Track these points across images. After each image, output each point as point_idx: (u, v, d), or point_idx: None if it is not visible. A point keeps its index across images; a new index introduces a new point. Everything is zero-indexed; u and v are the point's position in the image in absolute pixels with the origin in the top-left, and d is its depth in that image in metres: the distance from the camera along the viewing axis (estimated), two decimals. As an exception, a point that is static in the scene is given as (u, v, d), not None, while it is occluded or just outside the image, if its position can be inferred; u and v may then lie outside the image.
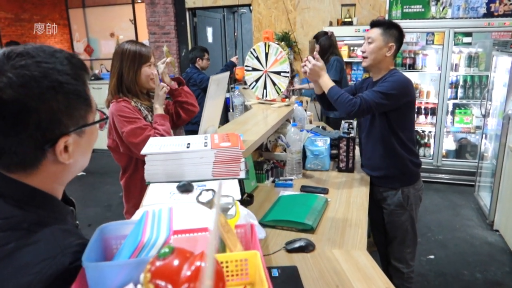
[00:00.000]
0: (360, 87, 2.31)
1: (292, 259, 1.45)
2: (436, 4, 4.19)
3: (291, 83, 5.25)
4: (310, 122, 3.32)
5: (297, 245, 1.51)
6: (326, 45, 4.04)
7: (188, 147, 1.29)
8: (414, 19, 4.29)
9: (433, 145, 4.66)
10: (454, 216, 3.89)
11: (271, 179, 2.25)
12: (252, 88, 2.80)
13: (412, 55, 4.61)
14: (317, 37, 4.17)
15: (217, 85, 1.64)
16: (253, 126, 2.09)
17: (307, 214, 1.71)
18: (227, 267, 0.74)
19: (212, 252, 0.43)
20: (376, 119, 2.13)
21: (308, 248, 1.50)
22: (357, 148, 2.53)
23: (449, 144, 4.77)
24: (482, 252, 3.24)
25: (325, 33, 4.15)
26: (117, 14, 6.55)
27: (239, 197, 1.15)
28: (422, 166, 4.57)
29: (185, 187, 1.20)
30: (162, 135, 1.81)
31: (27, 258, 0.66)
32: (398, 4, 4.29)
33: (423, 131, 4.82)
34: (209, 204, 0.81)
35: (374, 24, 2.12)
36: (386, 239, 2.32)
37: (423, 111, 4.79)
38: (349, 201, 1.96)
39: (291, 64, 5.22)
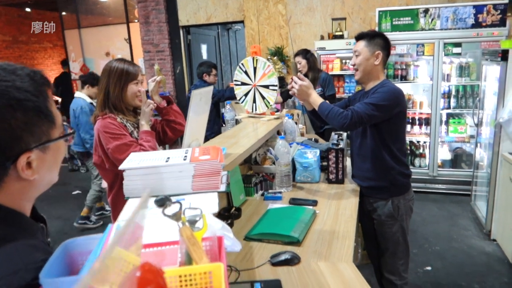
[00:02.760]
0: (354, 98, 2.32)
1: (277, 273, 1.43)
2: (425, 16, 4.24)
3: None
4: (302, 135, 3.32)
5: (282, 258, 1.49)
6: (315, 61, 4.21)
7: (167, 161, 1.29)
8: (403, 31, 4.34)
9: (428, 155, 4.66)
10: (451, 226, 3.86)
11: (260, 192, 2.24)
12: (242, 103, 2.81)
13: (404, 67, 4.65)
14: (301, 53, 4.24)
15: (200, 99, 1.64)
16: (240, 139, 2.09)
17: (293, 226, 1.70)
18: (191, 280, 0.73)
19: (106, 253, 0.42)
20: (367, 131, 2.14)
21: (293, 261, 1.48)
22: (348, 159, 2.53)
23: (444, 154, 4.76)
24: (479, 262, 3.20)
25: (308, 50, 4.26)
26: (112, 34, 6.62)
27: (216, 210, 1.14)
28: (418, 177, 4.60)
29: (162, 201, 1.18)
30: (147, 151, 1.80)
31: None
32: (388, 17, 4.34)
33: (418, 142, 4.81)
34: (175, 217, 0.80)
35: (358, 37, 2.16)
36: (379, 251, 2.30)
37: (417, 122, 4.80)
38: (337, 213, 1.94)
39: (284, 78, 5.26)
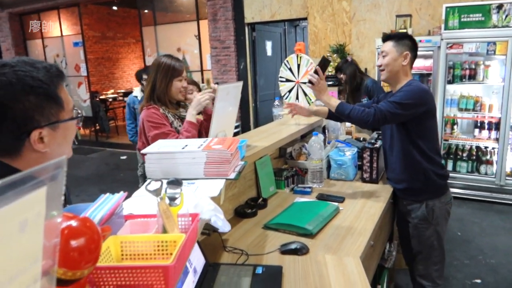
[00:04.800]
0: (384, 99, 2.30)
1: (283, 260, 1.50)
2: (498, 12, 3.92)
3: (343, 95, 5.22)
4: (349, 133, 3.30)
5: (290, 247, 1.56)
6: (352, 71, 3.77)
7: (183, 148, 1.43)
8: (473, 28, 4.06)
9: (496, 162, 4.32)
10: (514, 240, 3.57)
11: (291, 186, 2.30)
12: (286, 99, 2.88)
13: (473, 66, 4.35)
14: (339, 69, 3.92)
15: (227, 94, 1.76)
16: (271, 134, 2.18)
17: (310, 220, 1.75)
18: (163, 245, 0.85)
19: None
20: (395, 130, 2.13)
21: (301, 251, 1.55)
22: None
23: (515, 162, 4.38)
24: (538, 281, 2.94)
25: (346, 61, 3.92)
26: (184, 31, 7.03)
27: (216, 194, 1.25)
28: (483, 185, 4.32)
29: (174, 183, 1.32)
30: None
31: None
32: (456, 13, 4.09)
33: (486, 147, 4.48)
34: (156, 192, 0.92)
35: (386, 38, 2.17)
36: (412, 254, 2.25)
37: (486, 126, 4.47)
38: (361, 211, 1.95)
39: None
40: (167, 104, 2.15)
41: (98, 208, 0.83)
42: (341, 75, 3.87)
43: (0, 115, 0.84)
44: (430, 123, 2.09)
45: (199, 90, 2.93)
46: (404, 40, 2.08)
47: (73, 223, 0.58)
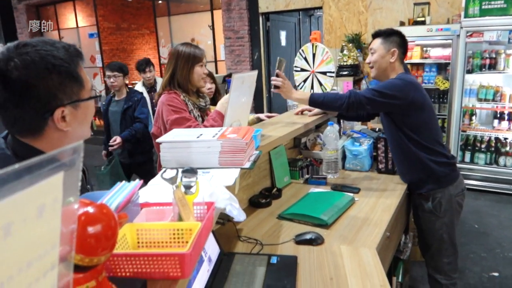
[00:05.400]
0: None
1: (298, 250, 1.50)
2: (521, -2, 3.80)
3: (358, 85, 5.16)
4: (365, 123, 3.26)
5: (305, 237, 1.55)
6: None
7: (198, 137, 1.42)
8: (494, 16, 3.94)
9: (516, 154, 4.22)
10: (533, 233, 3.49)
11: (306, 176, 2.29)
12: (301, 88, 2.85)
13: (494, 55, 4.24)
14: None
15: (242, 82, 1.74)
16: (286, 124, 2.16)
17: (325, 210, 1.74)
18: (179, 233, 0.85)
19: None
20: (384, 122, 2.14)
21: (316, 241, 1.54)
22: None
23: (536, 154, 4.27)
24: (559, 275, 2.88)
25: None
26: (198, 21, 7.01)
27: (231, 183, 1.25)
28: (503, 177, 4.21)
29: (189, 172, 1.32)
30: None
31: None
32: (476, 0, 3.97)
33: (505, 139, 4.38)
34: (171, 180, 0.92)
35: (375, 35, 2.16)
36: (425, 247, 2.22)
37: (506, 117, 4.37)
38: (377, 201, 1.92)
39: (359, 66, 5.13)
40: (188, 92, 2.15)
41: (114, 196, 0.83)
42: None
43: (25, 94, 0.84)
44: (420, 115, 2.03)
45: (214, 81, 2.93)
46: (393, 37, 2.08)
47: (90, 209, 0.58)
